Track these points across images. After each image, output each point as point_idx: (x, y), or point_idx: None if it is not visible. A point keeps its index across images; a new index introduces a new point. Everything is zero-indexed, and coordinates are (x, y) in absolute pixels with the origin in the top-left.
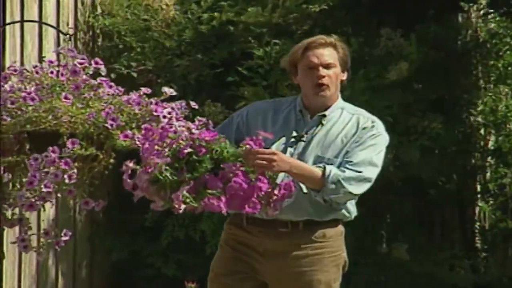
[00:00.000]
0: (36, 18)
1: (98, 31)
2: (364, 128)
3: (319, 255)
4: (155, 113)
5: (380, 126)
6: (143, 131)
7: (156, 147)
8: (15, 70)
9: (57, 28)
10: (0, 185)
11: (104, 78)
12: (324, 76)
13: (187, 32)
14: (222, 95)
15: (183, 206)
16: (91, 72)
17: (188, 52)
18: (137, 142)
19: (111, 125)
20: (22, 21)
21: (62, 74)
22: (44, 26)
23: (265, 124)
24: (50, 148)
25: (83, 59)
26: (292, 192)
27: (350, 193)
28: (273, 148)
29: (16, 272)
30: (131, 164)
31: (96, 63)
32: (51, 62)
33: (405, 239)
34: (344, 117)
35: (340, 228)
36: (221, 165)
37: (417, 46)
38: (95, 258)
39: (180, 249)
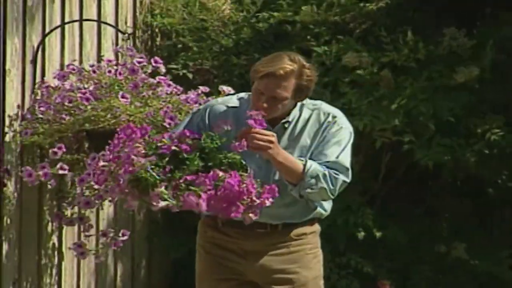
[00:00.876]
0: (95, 17)
1: (156, 30)
2: (327, 126)
3: (300, 251)
4: None
5: (342, 119)
6: (120, 130)
7: (137, 144)
8: (74, 69)
9: (115, 27)
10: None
11: (163, 77)
12: (264, 107)
13: (245, 30)
14: None
15: (161, 204)
16: (149, 71)
17: (245, 51)
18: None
19: (169, 123)
20: (81, 20)
21: (120, 73)
22: (102, 25)
23: (228, 130)
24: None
25: (142, 58)
26: (275, 196)
27: (325, 189)
28: (247, 154)
29: (75, 270)
30: (101, 163)
31: (156, 62)
32: (110, 61)
33: (464, 238)
34: (304, 114)
35: (317, 226)
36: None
37: (489, 49)
38: (153, 257)
39: None
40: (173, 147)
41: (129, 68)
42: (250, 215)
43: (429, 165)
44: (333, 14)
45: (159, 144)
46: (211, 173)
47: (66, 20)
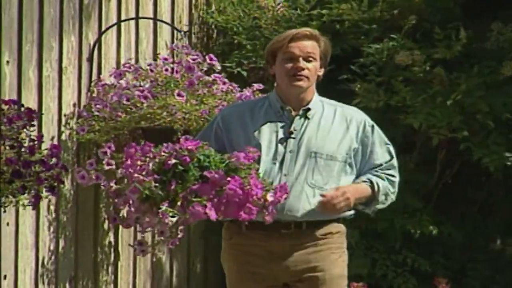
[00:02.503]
0: (151, 15)
1: (212, 28)
2: (363, 127)
3: (325, 250)
4: None
5: (366, 116)
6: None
7: (138, 162)
8: (130, 67)
9: (171, 25)
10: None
11: (218, 75)
12: (303, 69)
13: (297, 27)
14: (333, 92)
15: (172, 220)
16: (205, 69)
17: None
18: None
19: None
20: (137, 18)
21: (176, 71)
22: (158, 23)
23: (245, 126)
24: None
25: (197, 55)
26: (287, 193)
27: (392, 198)
28: (264, 145)
29: (131, 268)
30: (113, 184)
31: (211, 59)
32: (166, 59)
33: None
34: (327, 110)
35: (342, 226)
36: (205, 173)
37: None
38: (208, 254)
39: None
40: (173, 161)
41: (185, 66)
42: (266, 215)
43: (490, 167)
44: (379, 10)
45: (157, 160)
46: (210, 182)
47: (122, 18)
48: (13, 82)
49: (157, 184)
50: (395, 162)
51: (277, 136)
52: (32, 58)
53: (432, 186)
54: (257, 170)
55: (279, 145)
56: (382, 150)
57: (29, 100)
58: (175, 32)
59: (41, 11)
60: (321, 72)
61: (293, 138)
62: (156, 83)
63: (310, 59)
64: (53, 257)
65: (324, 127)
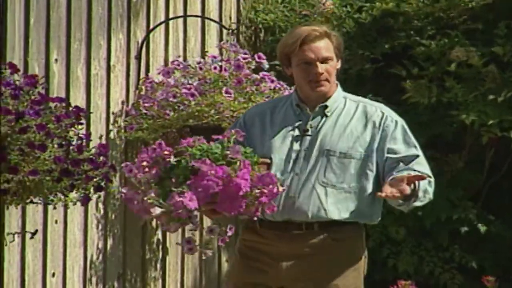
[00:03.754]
0: (199, 13)
1: (260, 26)
2: (384, 122)
3: (336, 258)
4: None
5: (390, 112)
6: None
7: (144, 163)
8: (179, 65)
9: (219, 23)
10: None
11: (266, 73)
12: (322, 73)
13: (347, 22)
14: (383, 89)
15: (157, 211)
16: (253, 67)
17: (348, 46)
18: None
19: None
20: (185, 16)
21: (225, 69)
22: (207, 21)
23: (264, 126)
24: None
25: (246, 53)
26: (273, 183)
27: (430, 199)
28: (276, 144)
29: (179, 265)
30: (124, 190)
31: (259, 57)
32: (215, 57)
33: None
34: (349, 106)
35: (360, 229)
36: (193, 163)
37: None
38: None
39: None
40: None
41: (234, 64)
42: (266, 208)
43: None
44: (439, 8)
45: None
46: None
47: (170, 16)
48: (61, 80)
49: (153, 182)
50: (424, 161)
51: (293, 134)
52: (81, 56)
53: (480, 184)
54: (269, 164)
55: (294, 143)
56: (407, 147)
57: (77, 98)
58: (223, 30)
59: (89, 10)
60: (339, 65)
61: (309, 136)
62: (204, 81)
63: (327, 61)
64: (101, 255)
65: (342, 124)
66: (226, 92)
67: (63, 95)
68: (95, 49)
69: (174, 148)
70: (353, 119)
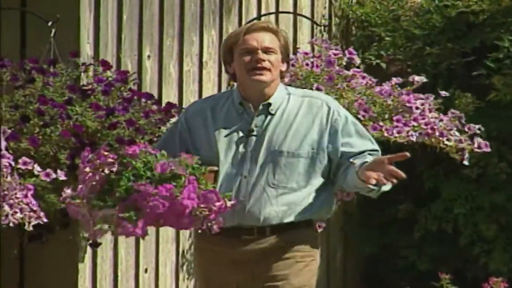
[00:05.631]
0: (291, 9)
1: (351, 21)
2: (334, 120)
3: (290, 259)
4: (407, 104)
5: (337, 105)
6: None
7: (87, 169)
8: None
9: (311, 19)
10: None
11: (357, 69)
12: (264, 60)
13: (435, 17)
14: (473, 85)
15: (99, 233)
16: (344, 63)
17: (438, 41)
18: (385, 134)
19: (363, 116)
20: (277, 12)
21: (316, 66)
22: (298, 17)
23: (206, 125)
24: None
25: (337, 49)
26: (218, 200)
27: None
28: (222, 147)
29: None
30: (68, 191)
31: (350, 53)
32: (306, 53)
33: None
34: (293, 103)
35: (314, 230)
36: (133, 185)
37: None
38: (348, 249)
39: (433, 241)
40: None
41: (325, 60)
42: (214, 224)
43: None
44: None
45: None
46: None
47: (263, 12)
48: (154, 76)
49: (92, 195)
50: (379, 153)
51: (238, 135)
52: (173, 52)
53: None
54: (216, 171)
55: (240, 145)
56: (361, 139)
57: (170, 95)
58: (315, 26)
59: (182, 6)
60: (284, 68)
61: (255, 136)
62: (296, 77)
63: (270, 52)
64: (193, 250)
65: (287, 122)
66: (317, 88)
67: (155, 91)
68: (187, 46)
69: (119, 156)
70: (298, 115)
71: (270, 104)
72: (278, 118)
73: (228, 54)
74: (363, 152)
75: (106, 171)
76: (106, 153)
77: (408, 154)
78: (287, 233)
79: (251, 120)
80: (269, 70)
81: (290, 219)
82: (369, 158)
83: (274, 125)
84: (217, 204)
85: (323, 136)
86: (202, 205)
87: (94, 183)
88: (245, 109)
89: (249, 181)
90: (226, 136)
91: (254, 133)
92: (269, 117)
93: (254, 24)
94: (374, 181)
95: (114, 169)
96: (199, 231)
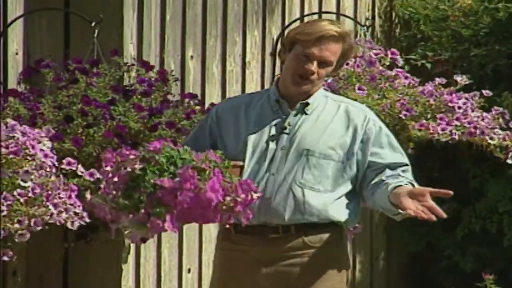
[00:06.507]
0: (334, 10)
1: (396, 21)
2: (368, 128)
3: (317, 261)
4: (450, 104)
5: (373, 115)
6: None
7: (108, 168)
8: None
9: (354, 19)
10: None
11: (400, 69)
12: (312, 72)
13: (484, 19)
14: None
15: (129, 231)
16: (387, 63)
17: (485, 42)
18: (431, 131)
19: (405, 115)
20: (320, 12)
21: (357, 66)
22: (341, 18)
23: (237, 121)
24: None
25: (380, 50)
26: (254, 191)
27: None
28: (251, 143)
29: None
30: (88, 195)
31: (392, 53)
32: None
33: None
34: (330, 106)
35: (340, 232)
36: (156, 181)
37: None
38: (391, 249)
39: (476, 241)
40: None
41: (366, 60)
42: (241, 217)
43: None
44: None
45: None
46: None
47: (305, 12)
48: (197, 77)
49: (119, 193)
50: (410, 168)
51: (269, 132)
52: (216, 53)
53: None
54: (241, 167)
55: (270, 142)
56: (392, 152)
57: (213, 95)
58: (358, 26)
59: (225, 6)
60: (337, 68)
61: (287, 134)
62: (337, 77)
63: (325, 65)
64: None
65: (322, 124)
66: (359, 88)
67: (198, 91)
68: (230, 46)
69: (141, 153)
70: (334, 119)
71: (307, 104)
72: (313, 119)
73: (290, 43)
74: (391, 164)
75: (129, 169)
76: (127, 152)
77: (451, 193)
78: (313, 233)
79: (285, 118)
80: (313, 81)
81: (315, 219)
82: (404, 181)
83: (308, 125)
84: (243, 196)
85: (356, 142)
86: (227, 197)
87: (116, 180)
88: (281, 107)
89: (277, 179)
90: (257, 132)
91: (287, 131)
92: (304, 116)
93: (327, 32)
94: (412, 213)
95: (137, 166)
96: (227, 226)
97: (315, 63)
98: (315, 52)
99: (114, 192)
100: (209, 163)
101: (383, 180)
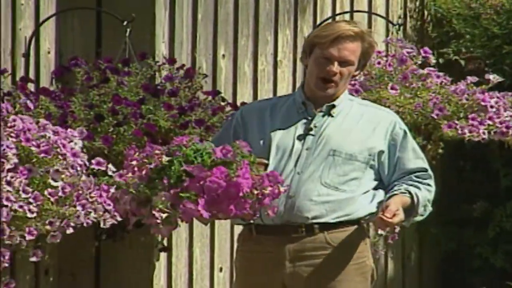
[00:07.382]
0: (366, 9)
1: (428, 18)
2: (394, 129)
3: (341, 261)
4: (482, 103)
5: (399, 119)
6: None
7: (133, 162)
8: None
9: (386, 18)
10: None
11: (432, 68)
12: (335, 73)
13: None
14: None
15: (161, 215)
16: (419, 62)
17: None
18: (459, 131)
19: (437, 114)
20: (351, 11)
21: (390, 65)
22: (373, 16)
23: (263, 122)
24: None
25: (412, 48)
26: (281, 182)
27: (430, 210)
28: (275, 143)
29: None
30: (113, 190)
31: (425, 52)
32: (379, 52)
33: None
34: (355, 109)
35: (363, 233)
36: (185, 167)
37: None
38: (424, 248)
39: (508, 239)
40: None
41: (398, 59)
42: (268, 210)
43: None
44: None
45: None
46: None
47: (337, 11)
48: (228, 75)
49: (142, 183)
50: (430, 172)
51: (295, 133)
52: (248, 52)
53: None
54: (266, 165)
55: (296, 142)
56: (415, 157)
57: (245, 94)
58: (390, 25)
59: (256, 6)
60: (356, 72)
61: (312, 135)
62: (369, 76)
63: (346, 64)
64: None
65: (348, 126)
66: (392, 88)
67: (230, 90)
68: (262, 45)
69: (167, 147)
70: (360, 122)
71: (334, 106)
72: (339, 121)
73: (310, 47)
74: (411, 170)
75: (153, 165)
76: (151, 148)
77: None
78: (337, 232)
79: (311, 120)
80: (336, 83)
81: (338, 219)
82: (401, 189)
83: (334, 127)
84: (270, 188)
85: (381, 145)
86: (254, 190)
87: (141, 174)
88: (306, 109)
89: (301, 178)
90: (282, 132)
91: (312, 132)
92: (329, 118)
93: (343, 32)
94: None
95: (163, 159)
96: (252, 221)
97: (335, 64)
98: (333, 52)
99: (137, 181)
100: (239, 154)
101: (396, 185)
